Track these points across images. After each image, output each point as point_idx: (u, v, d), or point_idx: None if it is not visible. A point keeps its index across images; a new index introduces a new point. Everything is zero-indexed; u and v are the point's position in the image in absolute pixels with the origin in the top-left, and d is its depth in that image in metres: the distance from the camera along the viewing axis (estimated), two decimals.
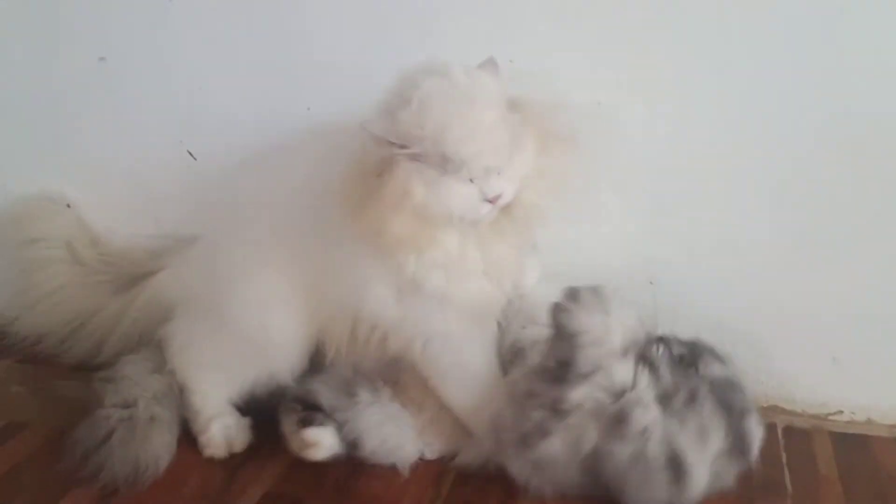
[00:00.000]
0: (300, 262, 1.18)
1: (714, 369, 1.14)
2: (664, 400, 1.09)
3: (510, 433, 1.12)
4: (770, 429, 1.33)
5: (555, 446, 1.09)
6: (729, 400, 1.11)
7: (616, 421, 1.08)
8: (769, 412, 1.37)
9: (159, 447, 1.22)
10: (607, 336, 1.09)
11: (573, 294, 1.09)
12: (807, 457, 1.27)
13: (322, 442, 1.21)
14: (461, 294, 1.12)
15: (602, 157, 1.26)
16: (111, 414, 1.23)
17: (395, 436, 1.22)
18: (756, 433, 1.12)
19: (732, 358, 1.17)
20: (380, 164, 1.06)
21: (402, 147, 1.04)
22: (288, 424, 1.24)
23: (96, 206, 1.56)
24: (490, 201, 1.06)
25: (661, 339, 1.15)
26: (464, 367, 1.18)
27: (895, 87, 1.22)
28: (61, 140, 1.54)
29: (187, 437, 1.28)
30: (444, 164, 1.03)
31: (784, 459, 1.26)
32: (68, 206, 1.55)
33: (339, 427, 1.21)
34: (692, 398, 1.09)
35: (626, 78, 1.29)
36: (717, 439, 1.09)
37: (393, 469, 1.21)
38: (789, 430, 1.34)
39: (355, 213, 1.08)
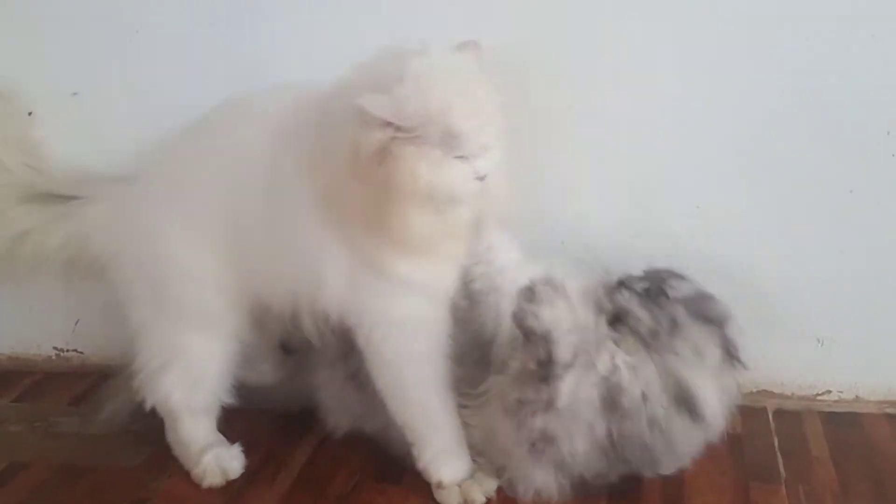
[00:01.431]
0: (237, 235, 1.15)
1: (682, 288, 1.15)
2: (652, 338, 1.11)
3: (518, 446, 1.12)
4: (761, 413, 1.37)
5: (566, 444, 1.10)
6: (707, 312, 1.13)
7: (613, 403, 1.09)
8: (759, 397, 1.39)
9: None
10: (576, 318, 1.10)
11: (529, 294, 1.08)
12: (798, 439, 1.30)
13: None
14: (426, 279, 1.11)
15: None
16: None
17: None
18: (739, 338, 1.13)
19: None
20: (378, 151, 1.00)
21: (404, 128, 0.99)
22: None
23: None
24: (479, 179, 1.05)
25: (622, 283, 1.15)
26: (411, 356, 1.14)
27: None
28: None
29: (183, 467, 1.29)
30: (447, 141, 1.00)
31: (776, 444, 1.29)
32: (30, 113, 1.46)
33: None
34: (674, 325, 1.11)
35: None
36: (711, 353, 1.12)
37: (394, 485, 1.23)
38: (780, 413, 1.36)
39: (367, 214, 1.04)
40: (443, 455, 1.18)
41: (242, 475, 1.28)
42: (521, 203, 1.14)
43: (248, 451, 1.30)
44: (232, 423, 1.33)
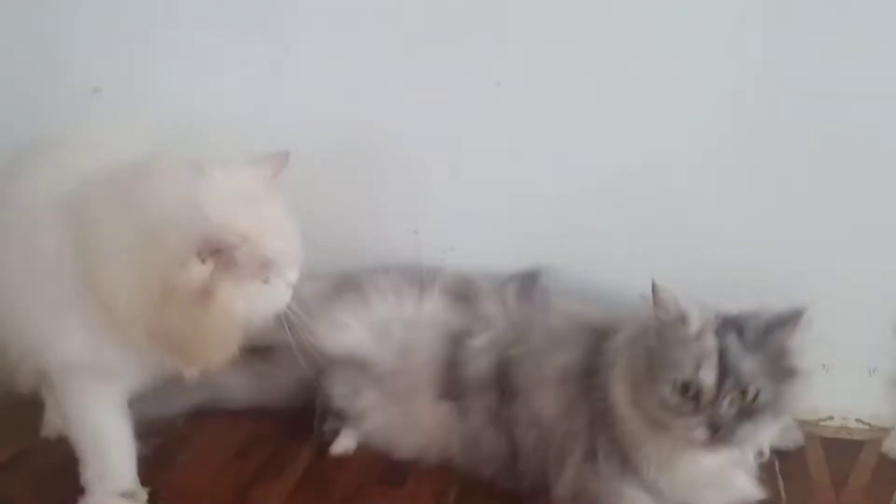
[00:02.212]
0: None
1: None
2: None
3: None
4: None
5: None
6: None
7: None
8: None
9: None
10: None
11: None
12: (800, 465, 1.30)
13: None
14: None
15: None
16: None
17: None
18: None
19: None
20: (199, 290, 0.96)
21: (224, 253, 0.96)
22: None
23: None
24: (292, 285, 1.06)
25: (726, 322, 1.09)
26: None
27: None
28: None
29: (196, 463, 1.31)
30: (262, 269, 1.00)
31: (777, 467, 1.29)
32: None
33: None
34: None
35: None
36: None
37: (398, 486, 1.24)
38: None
39: (176, 347, 1.01)
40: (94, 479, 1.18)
41: (249, 473, 1.29)
42: None
43: (253, 450, 1.33)
44: (238, 422, 1.37)
